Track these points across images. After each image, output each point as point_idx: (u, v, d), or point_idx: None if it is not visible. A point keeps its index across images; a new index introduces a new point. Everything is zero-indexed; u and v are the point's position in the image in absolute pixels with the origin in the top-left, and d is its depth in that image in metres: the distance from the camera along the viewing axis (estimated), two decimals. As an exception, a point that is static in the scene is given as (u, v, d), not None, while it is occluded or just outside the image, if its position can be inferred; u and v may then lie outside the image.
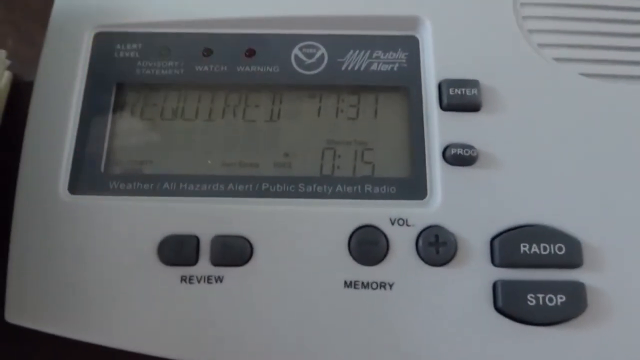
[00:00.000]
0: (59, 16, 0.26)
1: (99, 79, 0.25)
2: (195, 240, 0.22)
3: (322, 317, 0.22)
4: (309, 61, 0.26)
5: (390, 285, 0.22)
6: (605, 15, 0.26)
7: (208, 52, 0.26)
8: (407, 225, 0.22)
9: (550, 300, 0.21)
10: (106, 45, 0.26)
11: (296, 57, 0.26)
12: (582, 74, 0.25)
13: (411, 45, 0.26)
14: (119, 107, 0.25)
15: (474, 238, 0.22)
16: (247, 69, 0.25)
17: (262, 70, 0.25)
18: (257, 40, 0.26)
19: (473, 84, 0.24)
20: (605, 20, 0.26)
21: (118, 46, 0.26)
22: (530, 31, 0.26)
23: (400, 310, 0.22)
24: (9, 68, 0.30)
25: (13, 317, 0.22)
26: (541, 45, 0.26)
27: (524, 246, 0.22)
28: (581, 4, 0.27)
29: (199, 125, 0.25)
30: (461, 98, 0.24)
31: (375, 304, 0.22)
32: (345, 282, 0.22)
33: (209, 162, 0.24)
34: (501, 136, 0.24)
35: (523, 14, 0.26)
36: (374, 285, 0.22)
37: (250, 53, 0.26)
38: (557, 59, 0.26)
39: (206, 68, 0.26)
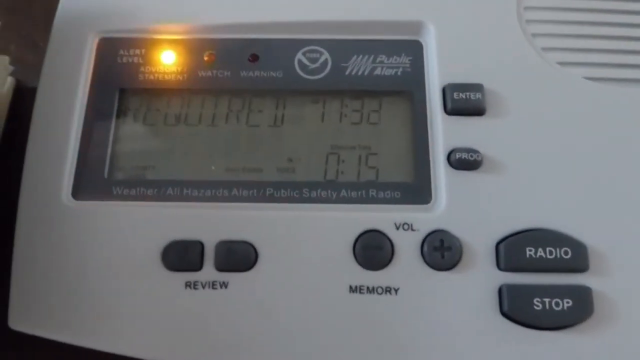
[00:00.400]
0: (62, 21, 0.26)
1: (102, 85, 0.25)
2: (200, 245, 0.22)
3: (327, 322, 0.22)
4: (313, 66, 0.26)
5: (396, 290, 0.22)
6: (609, 19, 0.26)
7: (211, 58, 0.26)
8: (412, 229, 0.22)
9: (557, 304, 0.21)
10: (109, 50, 0.26)
11: (300, 62, 0.26)
12: (587, 78, 0.25)
13: (415, 50, 0.26)
14: (122, 112, 0.25)
15: (479, 242, 0.22)
16: (251, 74, 0.25)
17: (265, 75, 0.25)
18: (260, 46, 0.26)
19: (477, 88, 0.24)
20: (609, 23, 0.26)
21: (121, 51, 0.26)
22: (534, 35, 0.26)
23: (405, 315, 0.22)
24: (12, 73, 0.30)
25: (17, 323, 0.22)
26: (545, 49, 0.26)
27: (530, 250, 0.22)
28: (585, 8, 0.27)
29: (203, 131, 0.25)
30: (465, 102, 0.24)
31: (380, 308, 0.22)
32: (351, 287, 0.22)
33: (213, 167, 0.24)
34: (506, 140, 0.24)
35: (527, 18, 0.26)
36: (379, 290, 0.22)
37: (254, 58, 0.26)
38: (561, 63, 0.26)
39: (210, 73, 0.26)
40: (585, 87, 0.25)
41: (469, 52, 0.25)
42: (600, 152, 0.24)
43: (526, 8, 0.26)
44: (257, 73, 0.25)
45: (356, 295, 0.22)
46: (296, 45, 0.26)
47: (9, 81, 0.30)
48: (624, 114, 0.24)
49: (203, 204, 0.23)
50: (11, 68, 0.29)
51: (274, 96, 0.25)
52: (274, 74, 0.25)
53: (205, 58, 0.26)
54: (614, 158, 0.24)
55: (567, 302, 0.21)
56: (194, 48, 0.26)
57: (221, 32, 0.26)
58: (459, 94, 0.24)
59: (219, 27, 0.26)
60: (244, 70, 0.26)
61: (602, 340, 0.21)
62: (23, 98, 0.30)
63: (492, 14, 0.26)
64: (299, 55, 0.26)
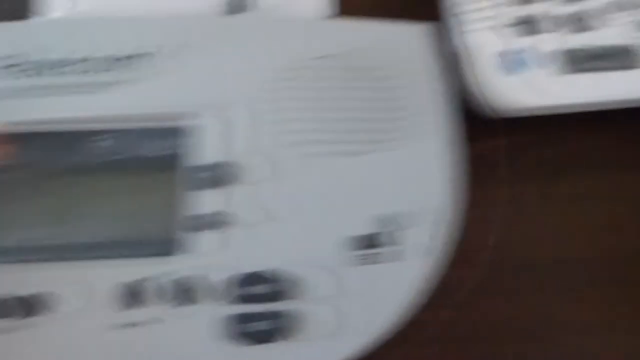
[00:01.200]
0: None
1: None
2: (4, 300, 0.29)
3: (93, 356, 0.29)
4: (100, 151, 0.33)
5: (149, 325, 0.29)
6: (322, 105, 0.35)
7: (12, 150, 0.33)
8: (162, 277, 0.30)
9: (267, 324, 0.29)
10: None
11: (89, 148, 0.33)
12: (305, 154, 0.33)
13: (180, 135, 0.33)
14: None
15: (215, 283, 0.30)
16: (49, 160, 0.32)
17: (60, 160, 0.32)
18: (55, 137, 0.33)
19: (223, 165, 0.32)
20: (325, 109, 0.35)
21: None
22: (274, 122, 0.34)
23: (153, 343, 0.29)
24: None
25: None
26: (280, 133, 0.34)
27: (250, 287, 0.30)
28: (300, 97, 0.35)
29: (8, 207, 0.32)
30: (212, 177, 0.32)
31: (138, 341, 0.29)
32: (112, 326, 0.29)
33: (12, 236, 0.31)
34: (243, 205, 0.32)
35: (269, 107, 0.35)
36: (134, 326, 0.29)
37: (51, 147, 0.33)
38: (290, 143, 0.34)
39: (13, 162, 0.32)
40: (303, 161, 0.33)
41: (219, 135, 0.33)
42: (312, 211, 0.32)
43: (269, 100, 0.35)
44: (53, 159, 0.32)
45: (117, 331, 0.29)
46: (86, 135, 0.33)
47: None
48: (331, 183, 0.33)
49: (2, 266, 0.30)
50: None
51: (66, 176, 0.32)
52: (68, 159, 0.33)
53: (9, 150, 0.33)
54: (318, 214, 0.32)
55: (273, 323, 0.29)
56: (5, 140, 0.33)
57: (23, 127, 0.33)
58: (205, 172, 0.32)
59: (27, 122, 0.33)
60: (43, 158, 0.32)
61: (299, 349, 0.29)
62: None
63: (242, 104, 0.34)
64: (89, 143, 0.33)
